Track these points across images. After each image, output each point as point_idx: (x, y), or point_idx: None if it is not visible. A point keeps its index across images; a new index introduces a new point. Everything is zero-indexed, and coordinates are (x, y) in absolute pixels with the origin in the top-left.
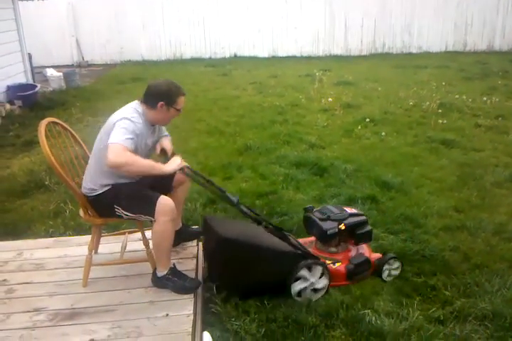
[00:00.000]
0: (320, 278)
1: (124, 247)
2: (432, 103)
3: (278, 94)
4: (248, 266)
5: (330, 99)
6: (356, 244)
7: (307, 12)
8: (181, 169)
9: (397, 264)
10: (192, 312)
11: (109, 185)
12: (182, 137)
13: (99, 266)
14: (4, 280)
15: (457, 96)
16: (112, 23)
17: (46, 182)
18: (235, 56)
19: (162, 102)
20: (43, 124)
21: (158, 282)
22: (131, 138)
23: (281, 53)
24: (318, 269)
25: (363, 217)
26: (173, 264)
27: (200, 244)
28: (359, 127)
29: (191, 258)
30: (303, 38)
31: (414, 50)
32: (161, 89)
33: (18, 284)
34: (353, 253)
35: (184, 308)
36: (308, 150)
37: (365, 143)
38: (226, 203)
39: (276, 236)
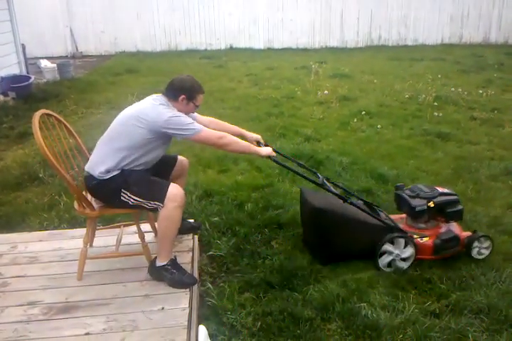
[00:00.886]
0: (404, 248)
1: (119, 240)
2: (427, 96)
3: (274, 87)
4: (337, 234)
5: (326, 92)
6: (446, 221)
7: (303, 3)
8: (269, 157)
9: (487, 243)
10: (187, 305)
11: (119, 170)
12: None
13: (94, 259)
14: None
15: (453, 89)
16: (106, 14)
17: (40, 175)
18: (231, 48)
19: (184, 96)
20: (37, 116)
21: (156, 272)
22: (190, 119)
23: (277, 45)
24: (401, 241)
25: (455, 197)
26: (174, 256)
27: (196, 237)
28: (355, 120)
29: (187, 252)
30: (299, 30)
31: (410, 43)
32: (185, 84)
33: (12, 277)
34: (442, 230)
35: (180, 302)
36: (304, 143)
37: (361, 136)
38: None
39: (362, 210)
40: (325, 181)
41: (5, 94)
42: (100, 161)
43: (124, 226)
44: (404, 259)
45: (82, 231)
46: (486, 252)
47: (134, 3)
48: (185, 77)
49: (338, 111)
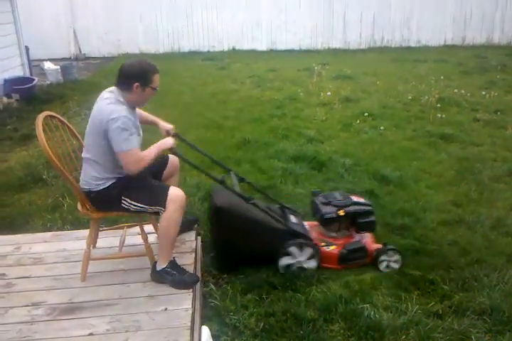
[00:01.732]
0: (309, 259)
1: (122, 241)
2: (430, 97)
3: (276, 88)
4: (239, 235)
5: (328, 93)
6: (357, 231)
7: (306, 5)
8: (170, 149)
9: (396, 257)
10: (191, 306)
11: (114, 177)
12: (180, 131)
13: (97, 260)
14: (3, 274)
15: (456, 90)
16: (110, 16)
17: (44, 176)
18: (234, 49)
19: (137, 83)
20: (41, 118)
21: (157, 276)
22: (134, 134)
23: (280, 47)
24: (309, 250)
25: (368, 207)
26: (173, 258)
27: (199, 238)
28: (358, 121)
29: (190, 253)
30: (301, 32)
31: (412, 44)
32: (134, 69)
33: (17, 278)
34: (351, 240)
35: (183, 303)
36: (307, 145)
37: (364, 138)
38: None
39: (265, 213)
40: (234, 178)
41: (8, 96)
42: (89, 177)
43: (128, 227)
44: (302, 268)
45: (85, 233)
46: (396, 266)
47: (137, 5)
48: (133, 61)
49: (340, 112)
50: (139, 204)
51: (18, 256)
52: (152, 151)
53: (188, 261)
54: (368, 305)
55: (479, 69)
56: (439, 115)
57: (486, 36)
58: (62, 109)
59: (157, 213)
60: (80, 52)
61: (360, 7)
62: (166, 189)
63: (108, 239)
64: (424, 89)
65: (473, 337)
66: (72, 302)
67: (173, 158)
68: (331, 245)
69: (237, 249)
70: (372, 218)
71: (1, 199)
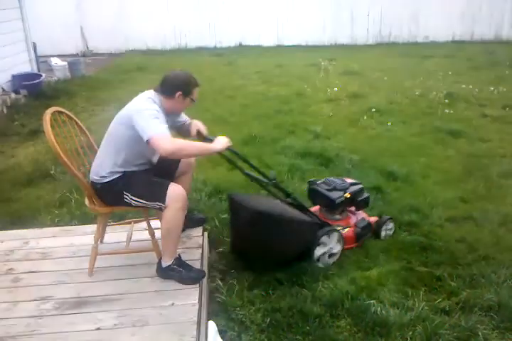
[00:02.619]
0: (336, 243)
1: (129, 236)
2: (438, 93)
3: (283, 84)
4: (277, 236)
5: (335, 89)
6: (357, 210)
7: (313, 0)
8: (227, 148)
9: (391, 225)
10: (197, 301)
11: (120, 172)
12: None
13: (105, 255)
14: (11, 269)
15: (464, 86)
16: (117, 11)
17: (51, 172)
18: (240, 45)
19: (180, 92)
20: (48, 113)
21: (163, 273)
22: (165, 123)
23: (287, 42)
24: (335, 235)
25: (361, 185)
26: (178, 254)
27: (206, 234)
28: (365, 117)
29: (196, 248)
30: (308, 27)
31: (420, 40)
32: (179, 79)
33: (25, 273)
34: (353, 218)
35: (189, 298)
36: (314, 141)
37: (371, 133)
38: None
39: (299, 209)
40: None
41: (16, 92)
42: (96, 170)
43: (135, 222)
44: (331, 255)
45: (93, 228)
46: (390, 233)
47: (144, 1)
48: (180, 72)
49: (347, 108)
50: (138, 200)
51: (26, 250)
52: (198, 146)
53: (194, 256)
54: (374, 301)
55: (487, 65)
56: (447, 111)
57: (495, 31)
58: (70, 104)
59: (159, 209)
60: (88, 48)
61: (367, 2)
62: (166, 185)
63: (115, 234)
64: (431, 84)
65: (480, 334)
66: (79, 297)
67: None
68: (346, 227)
69: (275, 251)
70: (366, 195)
71: (9, 194)
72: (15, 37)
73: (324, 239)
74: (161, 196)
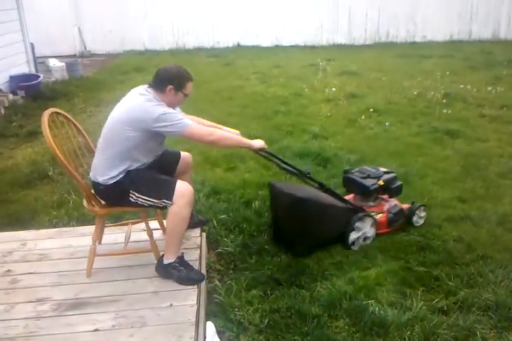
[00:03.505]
0: (370, 227)
1: (127, 237)
2: (436, 93)
3: (281, 84)
4: (317, 221)
5: (333, 89)
6: (390, 197)
7: (310, 0)
8: (262, 149)
9: (423, 213)
10: (196, 302)
11: (126, 171)
12: None
13: (103, 256)
14: (8, 270)
15: (462, 86)
16: (114, 12)
17: (50, 173)
18: (238, 45)
19: (171, 86)
20: (46, 115)
21: (164, 270)
22: (178, 113)
23: (285, 42)
24: (369, 220)
25: (394, 174)
26: (182, 253)
27: (204, 234)
28: (363, 117)
29: (195, 249)
30: (306, 27)
31: (418, 39)
32: (170, 73)
33: (22, 274)
34: (387, 205)
35: (188, 298)
36: (312, 141)
37: (369, 133)
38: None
39: (333, 196)
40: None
41: (14, 93)
42: (101, 171)
43: (133, 223)
44: (366, 238)
45: (91, 229)
46: (421, 221)
47: (142, 2)
48: (171, 66)
49: (345, 108)
50: (146, 198)
51: (24, 252)
52: (235, 138)
53: (193, 256)
54: (372, 301)
55: (485, 65)
56: (445, 111)
57: (492, 31)
58: (68, 105)
59: (165, 207)
60: (85, 49)
61: (365, 2)
62: (174, 183)
63: (113, 236)
64: (429, 84)
65: (478, 333)
66: (77, 298)
67: (185, 155)
68: (379, 213)
69: (313, 235)
70: (399, 183)
71: (7, 195)
72: (13, 38)
73: (359, 224)
74: (168, 193)
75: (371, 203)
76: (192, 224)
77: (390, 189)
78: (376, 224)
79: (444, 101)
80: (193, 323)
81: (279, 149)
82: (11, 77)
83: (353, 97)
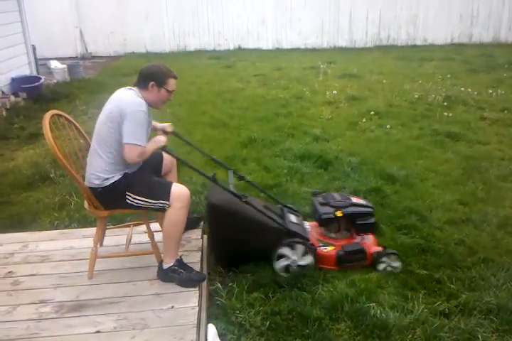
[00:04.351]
0: (304, 255)
1: (129, 239)
2: (437, 96)
3: (282, 87)
4: (234, 233)
5: (334, 92)
6: (357, 233)
7: (311, 3)
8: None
9: (397, 263)
10: (197, 304)
11: (120, 173)
12: (186, 130)
13: (104, 258)
14: (10, 272)
15: (462, 88)
16: (116, 15)
17: (51, 175)
18: (239, 48)
19: (153, 82)
20: (48, 117)
21: (164, 274)
22: (145, 132)
23: (286, 45)
24: (300, 248)
25: (368, 209)
26: (180, 256)
27: (205, 236)
28: (364, 120)
29: (196, 251)
30: (307, 30)
31: (419, 42)
32: (151, 70)
33: (24, 276)
34: (347, 241)
35: (189, 301)
36: (313, 143)
37: (370, 136)
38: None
39: (258, 211)
40: (231, 176)
41: (16, 95)
42: (94, 175)
43: (134, 225)
44: (302, 266)
45: (92, 231)
46: (394, 270)
47: (143, 4)
48: (153, 63)
49: (346, 111)
50: (142, 199)
51: (26, 254)
52: (149, 148)
53: (194, 259)
54: (374, 304)
55: (486, 68)
56: (446, 113)
57: (493, 34)
58: (69, 107)
59: (162, 209)
60: (87, 51)
61: (366, 5)
62: (169, 184)
63: (115, 238)
64: (430, 87)
65: (480, 337)
66: (79, 300)
67: (166, 155)
68: (329, 246)
69: (234, 247)
70: (371, 220)
71: (9, 197)
72: (14, 40)
73: (285, 250)
74: (165, 194)
75: (332, 234)
76: (189, 224)
77: (356, 224)
78: (316, 255)
79: (445, 104)
80: (194, 325)
81: (280, 151)
82: (13, 79)
83: (353, 100)
